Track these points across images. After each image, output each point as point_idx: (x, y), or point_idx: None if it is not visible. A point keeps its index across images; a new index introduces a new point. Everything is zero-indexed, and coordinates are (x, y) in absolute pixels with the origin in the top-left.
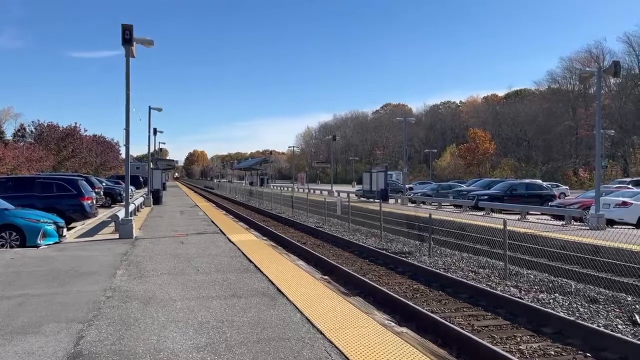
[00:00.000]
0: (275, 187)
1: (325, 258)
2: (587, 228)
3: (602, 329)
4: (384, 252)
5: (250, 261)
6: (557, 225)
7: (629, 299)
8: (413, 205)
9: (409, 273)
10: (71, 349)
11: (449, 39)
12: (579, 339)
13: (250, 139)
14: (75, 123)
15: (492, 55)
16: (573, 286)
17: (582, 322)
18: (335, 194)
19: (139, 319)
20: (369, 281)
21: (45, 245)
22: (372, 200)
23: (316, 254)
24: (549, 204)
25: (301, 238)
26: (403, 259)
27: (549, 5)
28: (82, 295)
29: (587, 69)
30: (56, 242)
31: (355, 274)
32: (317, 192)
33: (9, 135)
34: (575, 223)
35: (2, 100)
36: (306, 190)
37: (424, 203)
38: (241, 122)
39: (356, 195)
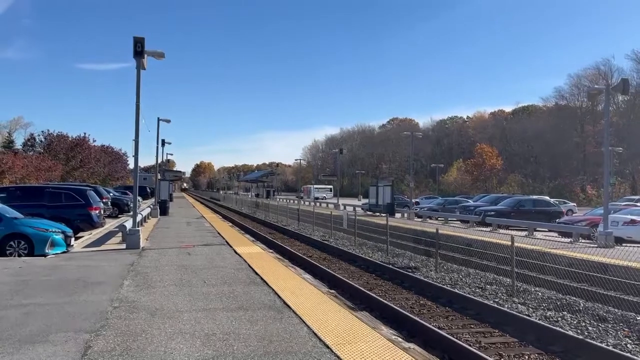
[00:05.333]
0: (281, 200)
1: (332, 272)
2: (595, 246)
3: (611, 348)
4: (390, 266)
5: (257, 274)
6: (564, 242)
7: (639, 318)
8: (419, 220)
9: (416, 288)
10: (79, 359)
11: (456, 55)
12: (587, 358)
13: (257, 152)
14: (84, 133)
15: (499, 71)
16: (581, 304)
17: (591, 341)
18: (342, 207)
19: (146, 330)
20: (375, 296)
21: (53, 254)
22: (378, 214)
23: (322, 267)
24: (557, 220)
25: (307, 251)
26: (410, 274)
27: (557, 23)
28: (89, 305)
29: (595, 86)
30: (64, 252)
31: (362, 289)
32: (323, 205)
33: (18, 145)
34: (583, 240)
35: (12, 110)
36: (312, 203)
37: (430, 218)
38: (248, 135)
39: (362, 209)
